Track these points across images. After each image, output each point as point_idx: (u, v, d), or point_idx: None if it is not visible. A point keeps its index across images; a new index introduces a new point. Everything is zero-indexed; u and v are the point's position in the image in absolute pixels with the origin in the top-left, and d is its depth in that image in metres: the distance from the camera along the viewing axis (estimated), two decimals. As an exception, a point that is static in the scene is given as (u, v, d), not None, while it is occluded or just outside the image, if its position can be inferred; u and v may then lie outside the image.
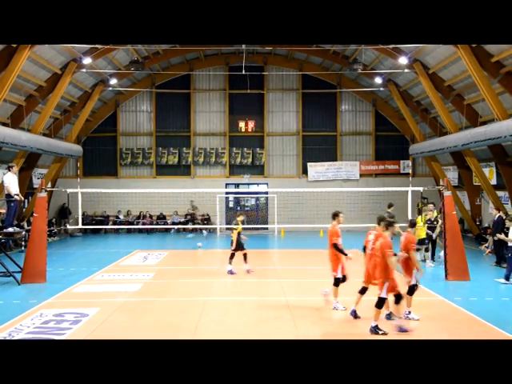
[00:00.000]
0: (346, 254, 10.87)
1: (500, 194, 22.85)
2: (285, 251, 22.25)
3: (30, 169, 25.45)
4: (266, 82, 31.18)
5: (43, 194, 15.02)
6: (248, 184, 31.20)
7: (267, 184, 30.79)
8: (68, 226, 23.30)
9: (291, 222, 26.25)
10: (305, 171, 31.18)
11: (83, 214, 21.82)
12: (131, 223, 29.02)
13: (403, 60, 22.63)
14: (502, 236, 15.15)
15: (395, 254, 9.35)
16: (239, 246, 15.48)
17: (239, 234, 15.50)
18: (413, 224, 11.35)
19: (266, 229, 29.33)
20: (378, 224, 9.91)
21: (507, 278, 14.10)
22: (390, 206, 17.84)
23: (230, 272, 15.31)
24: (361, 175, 31.13)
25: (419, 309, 11.21)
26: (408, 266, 9.92)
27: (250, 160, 31.12)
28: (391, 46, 22.53)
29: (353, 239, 23.71)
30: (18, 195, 14.54)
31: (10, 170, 14.70)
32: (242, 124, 31.06)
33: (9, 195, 14.33)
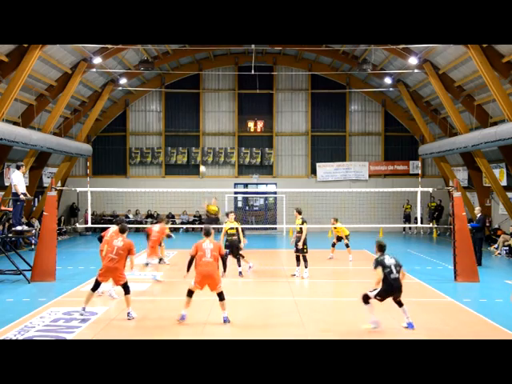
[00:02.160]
0: None
1: (510, 195, 22.69)
2: (293, 251, 22.22)
3: (40, 168, 25.65)
4: (275, 82, 31.18)
5: (53, 193, 15.10)
6: (257, 184, 31.21)
7: (276, 184, 30.79)
8: (77, 225, 23.42)
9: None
10: (314, 171, 31.15)
11: (92, 214, 21.97)
12: (140, 222, 29.11)
13: (413, 60, 22.54)
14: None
15: None
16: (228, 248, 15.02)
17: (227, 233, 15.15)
18: None
19: (275, 229, 29.32)
20: None
21: None
22: None
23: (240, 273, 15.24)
24: (370, 176, 31.06)
25: (429, 310, 11.18)
26: None
27: (258, 160, 31.14)
28: (401, 46, 22.45)
29: (361, 239, 23.67)
30: (25, 194, 14.63)
31: (18, 169, 14.81)
32: (250, 124, 31.10)
33: (16, 194, 14.43)
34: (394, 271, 9.37)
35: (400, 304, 9.62)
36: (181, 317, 9.95)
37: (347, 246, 18.13)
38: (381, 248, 9.78)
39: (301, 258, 14.94)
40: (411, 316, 10.34)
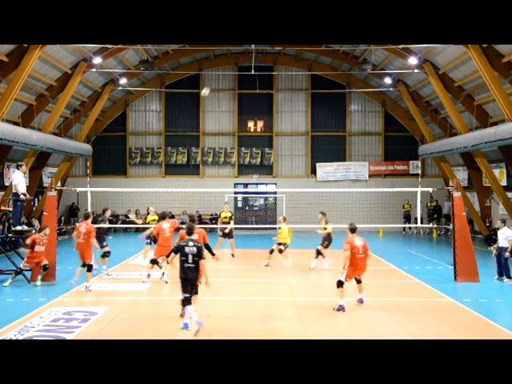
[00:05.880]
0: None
1: (510, 195, 22.69)
2: (293, 251, 22.22)
3: (40, 168, 25.64)
4: (275, 82, 31.18)
5: (53, 193, 15.10)
6: (257, 184, 31.21)
7: (276, 184, 30.78)
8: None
9: (300, 222, 26.21)
10: (313, 171, 31.16)
11: (92, 214, 21.88)
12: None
13: (413, 60, 22.54)
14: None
15: None
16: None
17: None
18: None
19: (275, 229, 29.27)
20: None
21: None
22: None
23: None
24: (370, 176, 31.06)
25: (429, 310, 11.18)
26: None
27: (258, 160, 31.14)
28: (401, 46, 22.45)
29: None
30: (24, 194, 14.62)
31: (18, 169, 14.80)
32: (250, 124, 31.10)
33: (16, 194, 14.41)
34: (190, 260, 9.04)
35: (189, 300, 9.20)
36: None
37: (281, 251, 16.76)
38: (189, 231, 9.52)
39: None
40: (413, 317, 10.38)
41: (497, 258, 14.79)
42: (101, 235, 15.07)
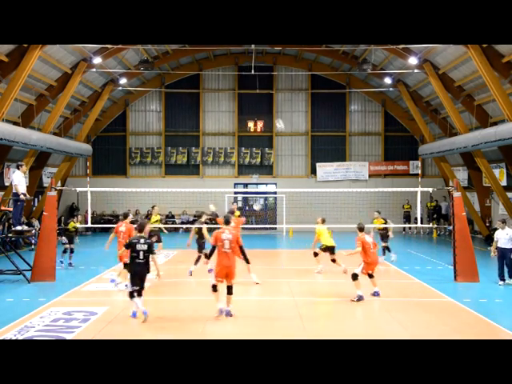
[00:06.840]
0: None
1: (510, 195, 22.68)
2: (293, 251, 22.24)
3: (40, 168, 25.65)
4: (275, 82, 31.19)
5: (53, 193, 15.10)
6: (257, 184, 31.22)
7: (276, 184, 30.79)
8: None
9: (300, 222, 26.20)
10: (313, 171, 31.16)
11: (92, 213, 21.94)
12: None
13: (413, 60, 22.54)
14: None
15: None
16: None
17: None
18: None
19: (275, 229, 29.31)
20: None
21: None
22: None
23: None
24: (370, 176, 31.06)
25: (429, 310, 11.18)
26: None
27: (258, 160, 31.14)
28: (401, 46, 22.46)
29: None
30: (24, 194, 14.61)
31: (18, 169, 14.79)
32: (250, 124, 31.10)
33: (16, 194, 14.41)
34: (141, 256, 9.80)
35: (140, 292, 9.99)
36: (219, 311, 10.29)
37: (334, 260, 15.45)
38: (140, 228, 10.19)
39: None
40: (413, 317, 10.37)
41: (499, 260, 14.20)
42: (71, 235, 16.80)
